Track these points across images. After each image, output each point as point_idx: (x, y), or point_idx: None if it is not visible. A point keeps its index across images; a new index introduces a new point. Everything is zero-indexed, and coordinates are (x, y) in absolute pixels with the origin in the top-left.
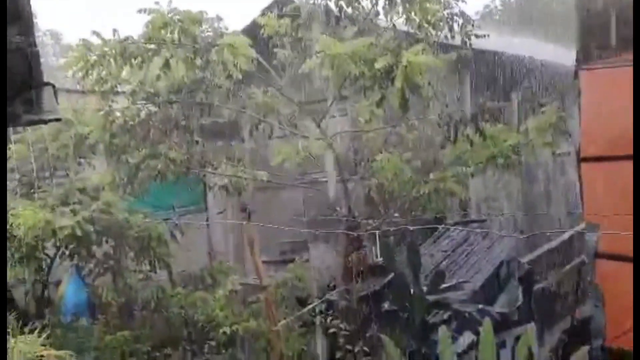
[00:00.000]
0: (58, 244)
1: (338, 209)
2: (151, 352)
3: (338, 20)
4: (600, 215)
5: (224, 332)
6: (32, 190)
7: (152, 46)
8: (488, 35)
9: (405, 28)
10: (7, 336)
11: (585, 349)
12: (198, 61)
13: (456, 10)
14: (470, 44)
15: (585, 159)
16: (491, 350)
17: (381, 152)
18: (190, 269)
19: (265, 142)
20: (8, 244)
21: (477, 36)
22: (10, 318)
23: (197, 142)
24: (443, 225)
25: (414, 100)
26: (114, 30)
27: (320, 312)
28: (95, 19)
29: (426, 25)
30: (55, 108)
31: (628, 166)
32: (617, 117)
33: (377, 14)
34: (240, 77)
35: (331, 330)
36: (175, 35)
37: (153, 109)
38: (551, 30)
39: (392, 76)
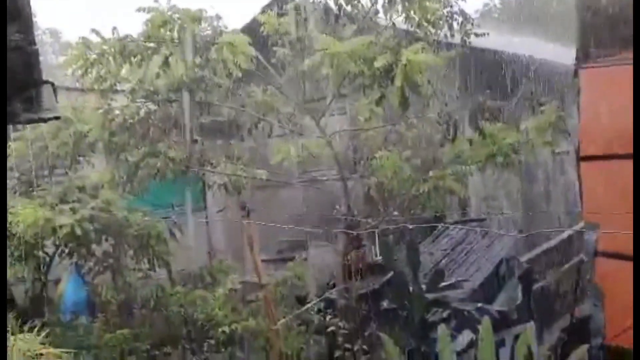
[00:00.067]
0: (57, 242)
1: (337, 207)
2: (150, 351)
3: (337, 19)
4: (600, 214)
5: (223, 331)
6: (31, 189)
7: (152, 44)
8: (488, 34)
9: (404, 26)
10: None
11: (584, 347)
12: (197, 59)
13: (456, 8)
14: (470, 43)
15: (585, 158)
16: (490, 349)
17: (380, 151)
18: (189, 267)
19: (264, 141)
20: (7, 242)
21: (476, 35)
22: (10, 316)
23: (196, 140)
24: (442, 224)
25: (413, 98)
26: (114, 29)
27: (319, 310)
28: (94, 18)
29: (426, 23)
30: (55, 106)
31: (627, 165)
32: (617, 116)
33: (377, 12)
34: (239, 75)
35: (330, 329)
36: (175, 34)
37: (152, 107)
38: (551, 29)
39: (391, 75)
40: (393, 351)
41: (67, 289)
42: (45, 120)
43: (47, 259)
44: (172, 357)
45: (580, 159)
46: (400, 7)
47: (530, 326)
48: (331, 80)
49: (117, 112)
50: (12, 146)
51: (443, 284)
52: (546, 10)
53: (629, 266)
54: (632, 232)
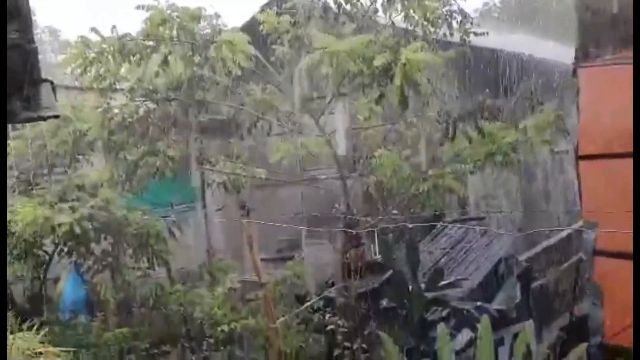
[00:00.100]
0: (56, 240)
1: (337, 206)
2: (150, 349)
3: (336, 17)
4: (599, 212)
5: (223, 330)
6: (30, 187)
7: (151, 43)
8: (487, 33)
9: (404, 25)
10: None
11: (583, 346)
12: (197, 58)
13: (455, 7)
14: (469, 42)
15: (584, 157)
16: (489, 348)
17: (380, 149)
18: (188, 266)
19: (263, 139)
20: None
21: (476, 34)
22: (9, 315)
23: (195, 139)
24: (442, 223)
25: (412, 97)
26: (113, 27)
27: (319, 309)
28: (93, 16)
29: (425, 22)
30: (54, 105)
31: (627, 164)
32: (616, 115)
33: (376, 11)
34: (239, 73)
35: (329, 328)
36: (174, 32)
37: (151, 106)
38: (550, 28)
39: (390, 73)
40: (392, 350)
41: (66, 287)
42: (44, 119)
43: (46, 257)
44: (172, 355)
45: (580, 158)
46: (399, 6)
47: (529, 325)
48: (331, 79)
49: (116, 110)
50: (12, 145)
51: (442, 282)
52: (545, 9)
53: (628, 265)
54: (631, 231)
